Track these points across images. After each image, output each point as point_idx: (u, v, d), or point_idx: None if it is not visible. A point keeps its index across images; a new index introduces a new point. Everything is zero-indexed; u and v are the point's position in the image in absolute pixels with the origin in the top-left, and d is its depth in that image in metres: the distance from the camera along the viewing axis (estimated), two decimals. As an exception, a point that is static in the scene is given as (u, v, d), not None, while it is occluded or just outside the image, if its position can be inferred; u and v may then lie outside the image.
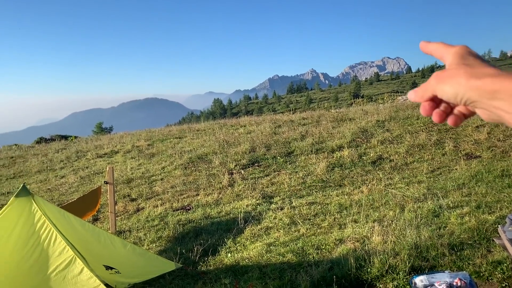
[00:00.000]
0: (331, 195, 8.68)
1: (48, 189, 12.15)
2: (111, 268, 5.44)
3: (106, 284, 4.78)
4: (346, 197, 8.42)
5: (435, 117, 0.67)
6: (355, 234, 6.38)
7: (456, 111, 0.68)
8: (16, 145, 22.38)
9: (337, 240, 6.30)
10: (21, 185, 4.97)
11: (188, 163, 12.61)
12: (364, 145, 12.07)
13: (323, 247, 6.14)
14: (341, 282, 4.94)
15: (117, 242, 5.64)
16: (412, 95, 0.69)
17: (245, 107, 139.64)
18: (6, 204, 4.85)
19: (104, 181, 7.15)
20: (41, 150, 18.89)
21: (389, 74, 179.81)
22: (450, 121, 0.68)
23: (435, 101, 0.67)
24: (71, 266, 4.69)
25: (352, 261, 5.15)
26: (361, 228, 6.56)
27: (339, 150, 11.76)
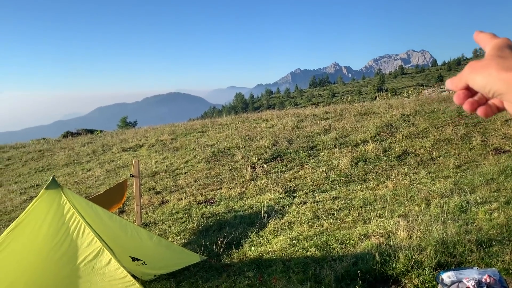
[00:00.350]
0: (355, 190, 8.61)
1: (75, 182, 12.45)
2: (138, 260, 5.55)
3: (132, 275, 4.88)
4: (370, 192, 8.34)
5: (466, 105, 0.68)
6: (379, 229, 6.31)
7: (490, 102, 0.67)
8: (44, 139, 23.00)
9: (362, 235, 6.26)
10: (50, 177, 5.10)
11: (211, 157, 12.70)
12: (388, 139, 11.91)
13: (347, 241, 6.11)
14: (365, 277, 4.91)
15: (143, 234, 5.75)
16: (449, 84, 0.70)
17: (267, 101, 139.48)
18: (36, 196, 4.99)
19: (130, 174, 7.28)
20: (68, 144, 19.36)
21: (414, 67, 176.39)
22: (480, 111, 0.68)
23: (471, 91, 0.68)
24: (99, 257, 4.80)
25: (376, 256, 5.11)
26: (386, 223, 6.49)
27: (363, 145, 11.64)
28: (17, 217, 4.87)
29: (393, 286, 4.71)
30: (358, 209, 7.46)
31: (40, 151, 18.11)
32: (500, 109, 0.67)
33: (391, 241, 5.78)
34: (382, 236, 6.01)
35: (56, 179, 5.15)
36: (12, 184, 13.37)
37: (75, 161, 15.40)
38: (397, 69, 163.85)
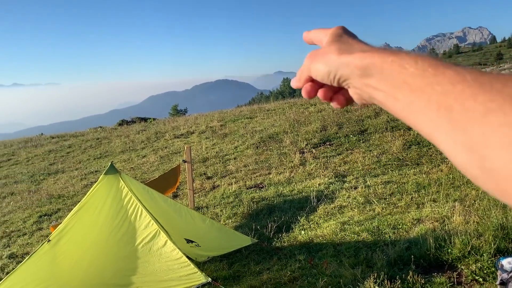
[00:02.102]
0: (408, 174, 8.38)
1: (131, 167, 13.01)
2: (192, 242, 5.76)
3: (187, 257, 5.07)
4: (424, 175, 8.09)
5: (303, 92, 0.64)
6: (434, 213, 6.14)
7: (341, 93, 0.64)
8: (101, 127, 24.10)
9: (415, 219, 6.12)
10: (109, 163, 5.38)
11: (259, 142, 12.80)
12: (443, 121, 11.44)
13: (400, 226, 5.99)
14: (419, 262, 4.82)
15: (197, 217, 5.95)
16: (293, 82, 0.67)
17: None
18: (95, 181, 5.29)
19: (183, 160, 7.51)
20: (123, 131, 20.19)
21: (470, 46, 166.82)
22: (336, 103, 0.64)
23: (317, 83, 0.64)
24: (156, 239, 5.04)
25: (431, 241, 4.98)
26: (441, 207, 6.29)
27: (416, 127, 11.25)
28: (79, 201, 5.20)
29: (448, 271, 4.59)
30: (411, 193, 7.27)
31: (98, 139, 19.02)
32: (349, 101, 0.63)
33: (446, 226, 5.60)
34: (437, 221, 5.84)
35: (114, 165, 5.42)
36: (73, 170, 14.19)
37: (131, 148, 16.06)
38: (452, 48, 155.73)
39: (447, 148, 0.46)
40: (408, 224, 6.01)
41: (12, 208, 10.58)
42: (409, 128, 11.32)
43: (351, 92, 0.60)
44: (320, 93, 0.64)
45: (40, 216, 9.64)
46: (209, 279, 4.61)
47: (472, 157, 0.42)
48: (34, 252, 4.92)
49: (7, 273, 6.52)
